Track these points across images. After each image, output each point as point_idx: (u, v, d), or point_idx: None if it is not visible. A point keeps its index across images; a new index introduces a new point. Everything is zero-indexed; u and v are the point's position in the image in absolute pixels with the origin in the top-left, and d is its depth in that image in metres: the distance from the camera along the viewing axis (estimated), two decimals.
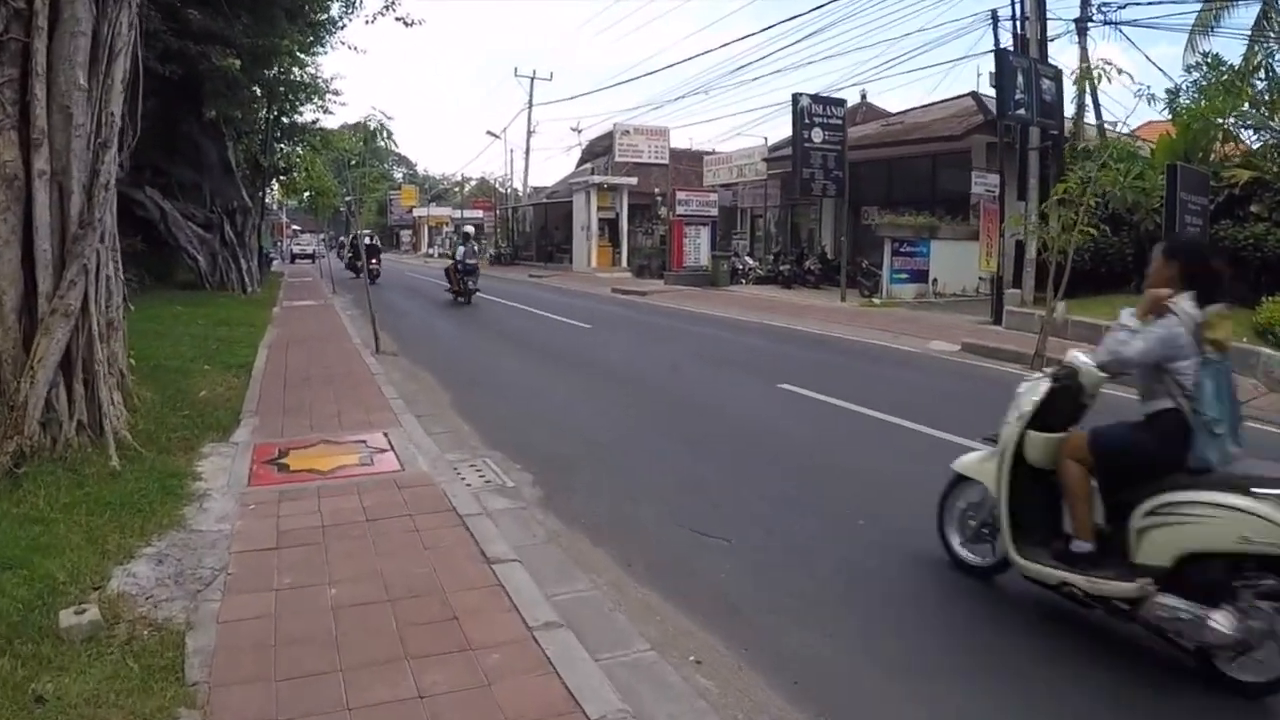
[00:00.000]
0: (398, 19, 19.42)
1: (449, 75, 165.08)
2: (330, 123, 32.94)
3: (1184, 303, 3.82)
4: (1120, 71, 13.13)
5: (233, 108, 18.60)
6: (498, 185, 59.90)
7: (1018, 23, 17.58)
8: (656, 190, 35.85)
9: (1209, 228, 14.75)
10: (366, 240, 26.74)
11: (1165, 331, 3.80)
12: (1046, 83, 16.58)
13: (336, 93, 29.56)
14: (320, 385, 9.02)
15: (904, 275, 21.36)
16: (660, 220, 35.74)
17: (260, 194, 29.06)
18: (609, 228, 34.62)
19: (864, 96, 35.39)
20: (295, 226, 70.61)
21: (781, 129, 44.45)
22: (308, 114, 29.55)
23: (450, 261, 22.39)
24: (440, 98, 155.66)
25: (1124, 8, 19.93)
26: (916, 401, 9.19)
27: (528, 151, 47.20)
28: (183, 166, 21.28)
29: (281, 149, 30.09)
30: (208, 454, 6.22)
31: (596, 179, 33.33)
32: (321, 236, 60.32)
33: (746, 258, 28.27)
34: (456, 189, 73.92)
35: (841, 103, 21.50)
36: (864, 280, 22.42)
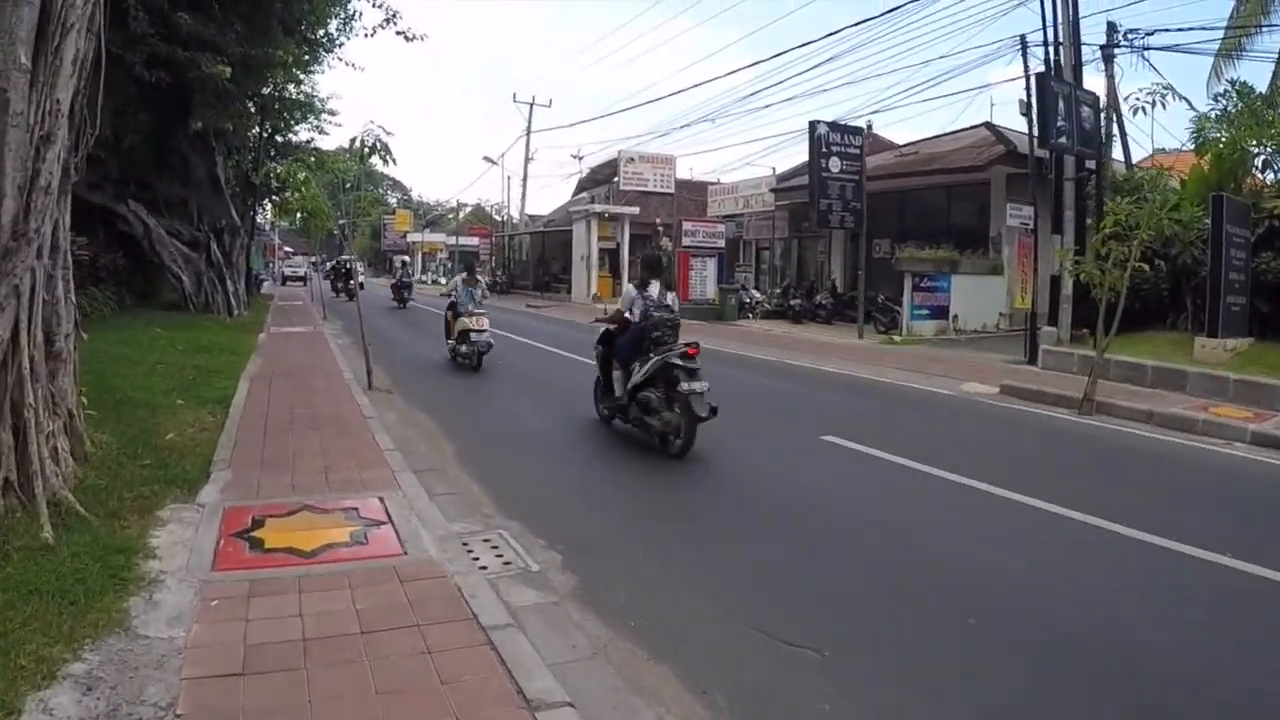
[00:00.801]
0: (398, 33, 18.50)
1: (445, 101, 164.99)
2: (326, 144, 32.25)
3: (463, 274, 14.81)
4: (1179, 97, 12.30)
5: (223, 120, 17.58)
6: (493, 212, 58.96)
7: (1049, 48, 16.73)
8: (658, 221, 34.95)
9: (1251, 260, 13.92)
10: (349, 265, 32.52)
11: (451, 283, 15.36)
12: (1085, 110, 15.71)
13: (332, 112, 28.81)
14: (306, 430, 7.88)
15: (924, 311, 20.43)
16: (662, 251, 34.81)
17: (250, 213, 28.02)
18: (609, 258, 33.62)
19: (869, 127, 34.65)
20: (288, 248, 69.64)
21: (788, 160, 43.67)
22: (302, 133, 28.86)
23: (394, 280, 30.38)
24: (436, 123, 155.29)
25: (1151, 34, 19.22)
26: (971, 455, 8.25)
27: (525, 178, 46.36)
28: (170, 181, 20.25)
29: (275, 168, 29.18)
30: (167, 520, 5.08)
31: (598, 208, 32.29)
32: (313, 259, 59.32)
33: (753, 291, 27.31)
34: (451, 215, 73.10)
35: (859, 131, 20.64)
36: (880, 316, 21.52)
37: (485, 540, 5.36)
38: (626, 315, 8.51)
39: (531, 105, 45.07)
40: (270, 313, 23.67)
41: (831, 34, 31.86)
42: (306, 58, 20.98)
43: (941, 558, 5.44)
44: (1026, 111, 17.68)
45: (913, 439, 8.92)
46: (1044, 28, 16.72)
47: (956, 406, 11.59)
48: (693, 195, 33.82)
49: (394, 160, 11.05)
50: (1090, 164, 16.56)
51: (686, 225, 26.18)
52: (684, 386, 7.41)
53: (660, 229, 34.82)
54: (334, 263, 40.49)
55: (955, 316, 21.00)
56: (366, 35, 19.01)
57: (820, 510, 6.44)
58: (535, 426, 9.54)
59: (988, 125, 26.12)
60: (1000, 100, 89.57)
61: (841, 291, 25.46)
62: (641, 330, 8.11)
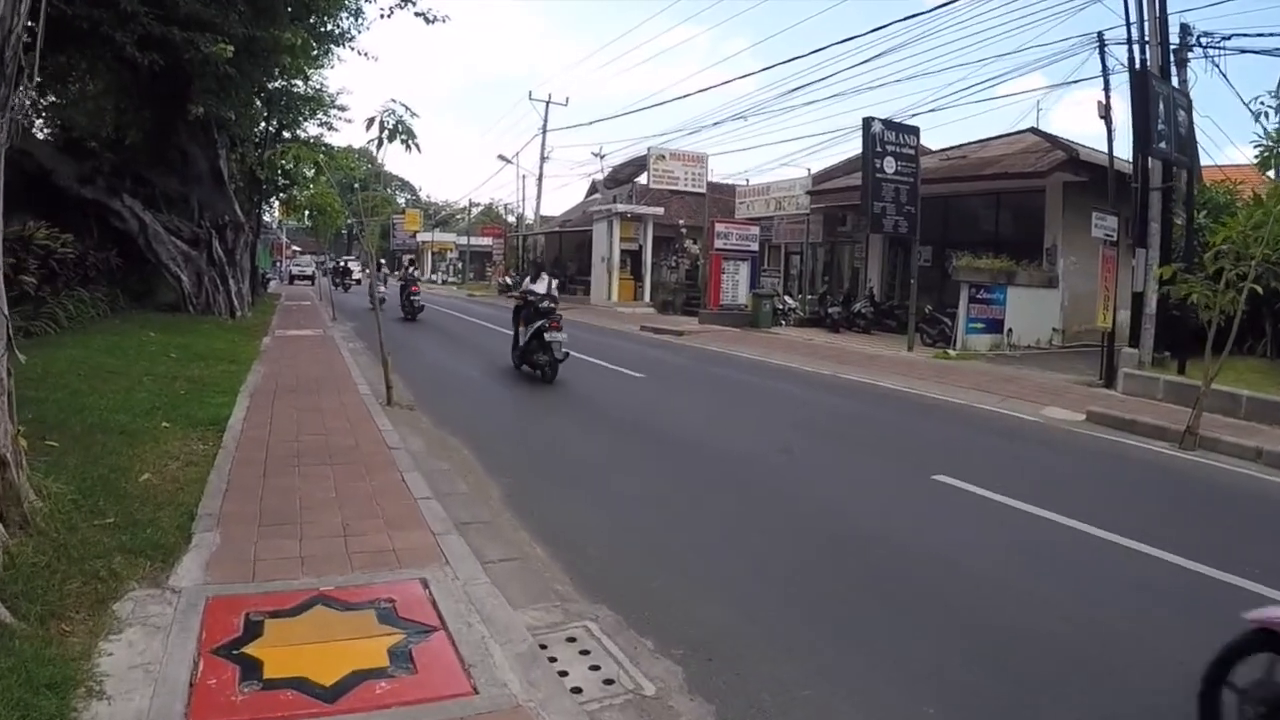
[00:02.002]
0: (418, 14, 17.12)
1: (456, 100, 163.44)
2: (335, 140, 30.95)
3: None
4: None
5: (225, 108, 16.12)
6: (505, 212, 57.55)
7: (1133, 46, 15.17)
8: (681, 222, 33.43)
9: None
10: (345, 263, 43.34)
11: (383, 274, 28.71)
12: (1181, 114, 14.17)
13: (342, 108, 27.55)
14: (316, 465, 6.37)
15: (979, 324, 18.90)
16: (684, 253, 33.30)
17: (256, 210, 26.65)
18: (630, 260, 32.10)
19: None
20: (295, 247, 68.54)
21: (817, 163, 42.05)
22: (311, 129, 27.66)
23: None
24: (446, 122, 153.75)
25: (1228, 38, 17.71)
26: (1101, 501, 7.00)
27: (540, 178, 44.86)
28: (168, 175, 18.86)
29: (283, 165, 27.92)
30: (126, 620, 3.59)
31: (621, 207, 30.67)
32: (319, 258, 58.42)
33: (786, 297, 25.80)
34: (461, 215, 71.78)
35: (915, 130, 19.07)
36: (926, 327, 19.99)
37: (570, 640, 3.88)
38: (527, 296, 12.79)
39: (548, 103, 43.65)
40: (276, 314, 22.21)
41: (877, 29, 30.23)
42: (315, 53, 19.68)
43: (1160, 660, 3.95)
44: (1105, 114, 16.20)
45: (1023, 477, 7.63)
46: (1127, 25, 15.17)
47: (1048, 436, 10.13)
48: (718, 197, 32.48)
49: (418, 146, 9.50)
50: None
51: (719, 227, 24.58)
52: (548, 338, 11.89)
53: (683, 230, 33.31)
54: (335, 262, 46.67)
55: (1009, 331, 19.50)
56: (383, 16, 17.56)
57: (983, 587, 4.92)
58: (590, 455, 8.03)
59: (1034, 131, 24.75)
60: (1047, 106, 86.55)
61: (880, 300, 23.96)
62: (534, 307, 12.43)
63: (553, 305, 12.47)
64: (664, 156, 27.04)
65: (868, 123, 18.10)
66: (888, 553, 5.50)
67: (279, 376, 10.82)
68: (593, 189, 47.82)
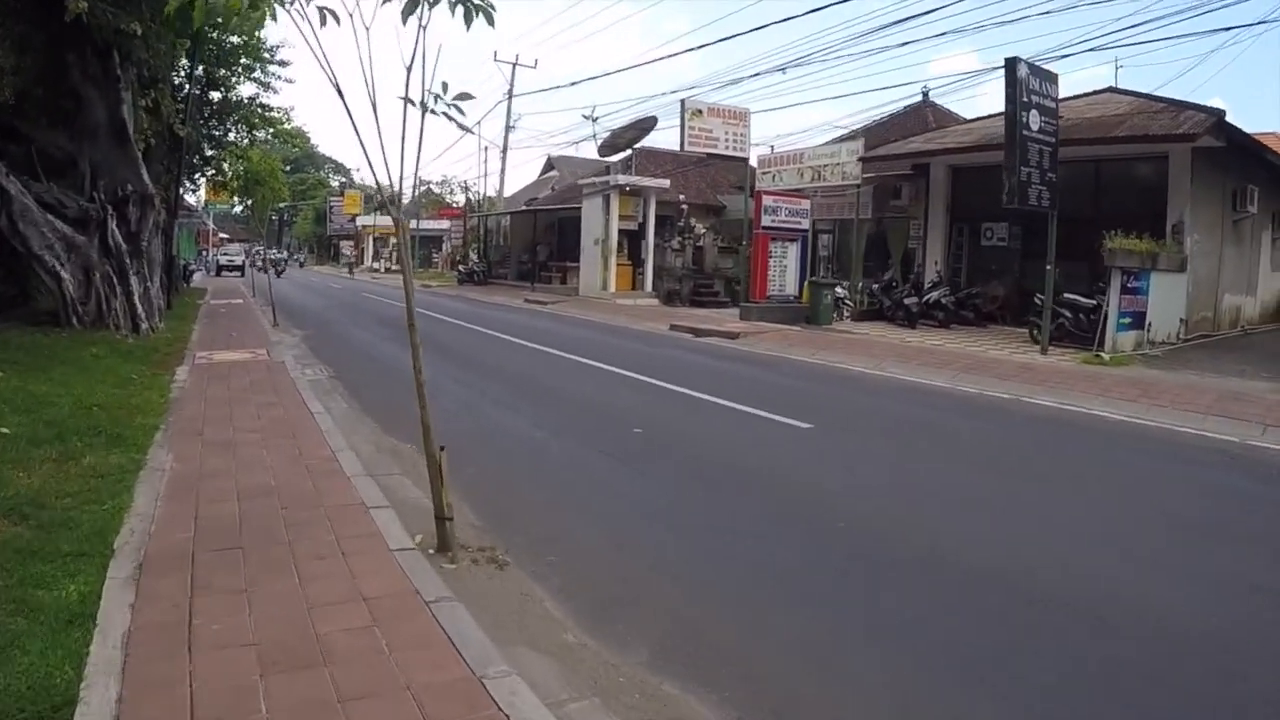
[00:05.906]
0: None
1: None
2: (275, 102, 25.55)
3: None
4: None
5: (126, 17, 10.69)
6: (462, 190, 52.07)
7: None
8: (682, 197, 28.67)
9: None
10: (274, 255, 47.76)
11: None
12: None
13: (283, 63, 22.41)
14: None
15: (1127, 319, 14.93)
16: (689, 233, 28.53)
17: (175, 183, 21.16)
18: (628, 240, 27.16)
19: (926, 95, 29.03)
20: (223, 235, 62.67)
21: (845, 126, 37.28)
22: (245, 90, 22.64)
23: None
24: (384, 96, 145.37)
25: None
26: None
27: (505, 149, 39.79)
28: (52, 128, 13.54)
29: (207, 131, 22.80)
30: None
31: (622, 179, 25.57)
32: (249, 246, 53.46)
33: (837, 287, 21.23)
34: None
35: (1054, 78, 14.62)
36: (1036, 320, 15.88)
37: None
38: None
39: (514, 65, 38.50)
40: (199, 321, 16.85)
41: None
42: None
43: None
44: None
45: None
46: None
47: None
48: (730, 170, 27.97)
49: (489, 12, 4.51)
50: None
51: (766, 200, 19.77)
52: (278, 269, 39.99)
53: (684, 207, 28.60)
54: (267, 250, 48.01)
55: (1149, 325, 15.64)
56: None
57: None
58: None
59: (1115, 89, 21.46)
60: (1132, 63, 79.98)
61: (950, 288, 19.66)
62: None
63: (284, 263, 47.10)
64: (700, 111, 21.83)
65: (1012, 64, 13.57)
66: None
67: (201, 488, 5.52)
68: (548, 165, 42.58)
